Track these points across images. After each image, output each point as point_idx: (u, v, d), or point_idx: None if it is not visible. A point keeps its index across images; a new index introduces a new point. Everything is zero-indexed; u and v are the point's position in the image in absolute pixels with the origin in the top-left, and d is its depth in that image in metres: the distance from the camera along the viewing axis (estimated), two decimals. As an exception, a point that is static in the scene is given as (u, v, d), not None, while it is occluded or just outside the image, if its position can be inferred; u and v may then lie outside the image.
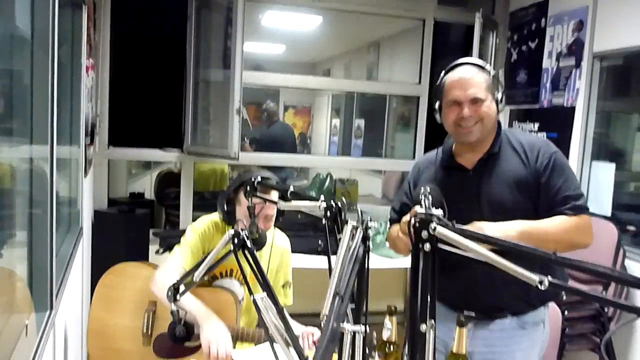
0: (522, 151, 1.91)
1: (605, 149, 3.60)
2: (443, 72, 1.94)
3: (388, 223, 2.19)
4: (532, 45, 4.01)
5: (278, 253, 2.27)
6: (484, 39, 4.11)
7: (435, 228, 1.07)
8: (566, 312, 2.85)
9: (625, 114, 3.86)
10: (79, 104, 2.82)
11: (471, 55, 3.91)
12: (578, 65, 3.55)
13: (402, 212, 2.02)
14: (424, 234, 1.08)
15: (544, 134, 3.83)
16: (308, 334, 2.05)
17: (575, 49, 3.58)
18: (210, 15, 4.07)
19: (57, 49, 1.84)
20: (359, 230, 1.04)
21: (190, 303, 1.97)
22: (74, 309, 2.70)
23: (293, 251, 2.42)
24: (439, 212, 1.20)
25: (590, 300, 2.92)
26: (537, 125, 3.90)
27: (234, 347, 2.03)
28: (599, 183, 3.47)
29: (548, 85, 3.81)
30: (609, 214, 3.37)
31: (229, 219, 2.15)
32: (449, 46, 5.07)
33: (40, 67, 1.77)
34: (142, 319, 2.10)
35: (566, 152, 3.62)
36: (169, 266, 2.11)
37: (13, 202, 1.83)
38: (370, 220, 1.11)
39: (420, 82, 4.47)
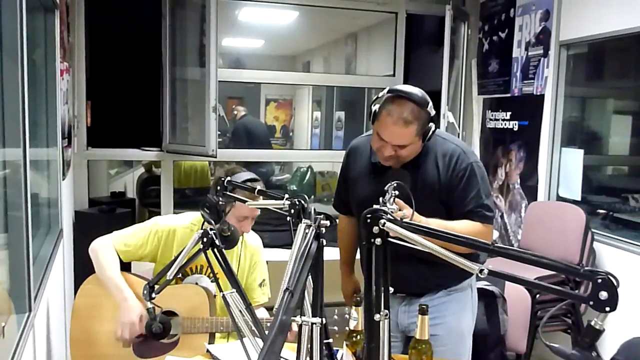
0: (442, 161, 1.99)
1: (575, 134, 3.69)
2: (385, 92, 1.91)
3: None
4: (503, 35, 4.09)
5: (249, 252, 2.31)
6: (456, 30, 4.18)
7: (384, 223, 1.14)
8: (537, 296, 2.93)
9: (595, 99, 3.95)
10: (54, 107, 2.85)
11: (442, 46, 3.99)
12: (546, 54, 3.62)
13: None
14: (375, 229, 1.15)
15: (516, 122, 3.91)
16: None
17: (543, 38, 3.66)
18: (185, 13, 4.09)
19: (27, 53, 1.87)
20: (311, 228, 1.10)
21: (109, 284, 2.12)
22: (56, 309, 2.74)
23: (271, 245, 2.46)
24: (392, 207, 1.28)
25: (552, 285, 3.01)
26: (508, 114, 3.99)
27: (211, 342, 2.09)
28: (569, 168, 3.56)
29: (518, 74, 3.89)
30: (579, 198, 3.46)
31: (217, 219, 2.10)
32: (423, 37, 5.15)
33: (10, 72, 1.81)
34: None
35: (537, 139, 3.71)
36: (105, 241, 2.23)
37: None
38: (326, 219, 1.17)
39: (394, 74, 4.53)
